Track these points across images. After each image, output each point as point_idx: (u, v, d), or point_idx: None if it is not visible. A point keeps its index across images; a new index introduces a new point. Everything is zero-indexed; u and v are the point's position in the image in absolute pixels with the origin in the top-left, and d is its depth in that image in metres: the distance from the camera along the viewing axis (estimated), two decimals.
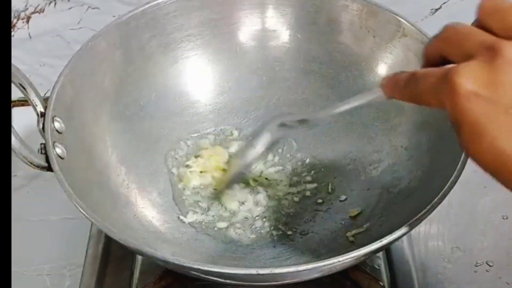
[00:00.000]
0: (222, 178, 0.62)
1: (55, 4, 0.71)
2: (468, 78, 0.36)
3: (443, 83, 0.37)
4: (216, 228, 0.59)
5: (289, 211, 0.60)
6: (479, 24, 0.39)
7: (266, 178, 0.62)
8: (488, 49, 0.36)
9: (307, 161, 0.64)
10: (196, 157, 0.63)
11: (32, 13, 0.71)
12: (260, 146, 0.58)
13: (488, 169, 0.37)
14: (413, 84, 0.41)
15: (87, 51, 0.57)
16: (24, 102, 0.71)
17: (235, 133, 0.65)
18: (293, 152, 0.65)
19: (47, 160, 0.49)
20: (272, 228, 0.59)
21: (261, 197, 0.61)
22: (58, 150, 0.51)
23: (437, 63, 0.40)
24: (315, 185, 0.62)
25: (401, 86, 0.42)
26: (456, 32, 0.39)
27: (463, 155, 0.50)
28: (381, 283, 0.57)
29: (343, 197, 0.61)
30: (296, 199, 0.61)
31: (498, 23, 0.38)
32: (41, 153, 0.50)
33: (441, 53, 0.40)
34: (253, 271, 0.45)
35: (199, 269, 0.45)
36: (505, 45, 0.36)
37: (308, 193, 0.61)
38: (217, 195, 0.61)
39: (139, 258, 0.59)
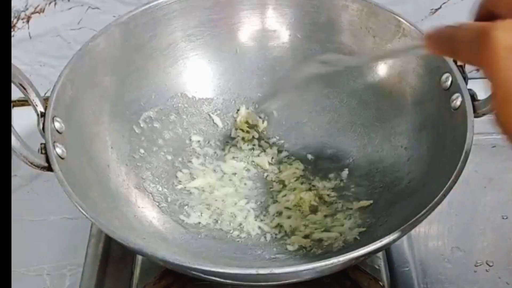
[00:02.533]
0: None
1: (55, 4, 0.70)
2: (506, 33, 0.34)
3: (481, 37, 0.35)
4: (216, 228, 0.59)
5: (288, 212, 0.60)
6: None
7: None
8: None
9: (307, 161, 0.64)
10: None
11: (32, 13, 0.71)
12: (299, 74, 0.58)
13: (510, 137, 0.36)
14: (453, 38, 0.38)
15: (87, 51, 0.57)
16: (24, 102, 0.71)
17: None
18: (293, 151, 0.65)
19: (47, 160, 0.49)
20: (272, 228, 0.59)
21: (262, 196, 0.61)
22: (58, 150, 0.51)
23: (487, 18, 0.38)
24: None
25: (442, 39, 0.40)
26: None
27: (463, 155, 0.50)
28: (381, 283, 0.57)
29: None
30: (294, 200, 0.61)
31: None
32: (41, 153, 0.50)
33: (491, 8, 0.38)
34: (253, 271, 0.45)
35: (199, 269, 0.45)
36: None
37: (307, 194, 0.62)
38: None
39: (139, 258, 0.59)
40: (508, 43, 0.34)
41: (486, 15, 0.39)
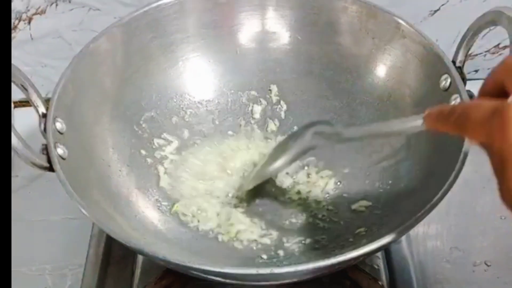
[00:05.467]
0: (248, 177, 0.61)
1: (56, 5, 0.71)
2: None
3: (494, 116, 0.35)
4: (217, 228, 0.59)
5: (289, 212, 0.60)
6: None
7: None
8: None
9: (308, 162, 0.64)
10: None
11: (34, 14, 0.71)
12: (293, 151, 0.57)
13: None
14: (462, 115, 0.39)
15: (89, 52, 0.58)
16: (25, 103, 0.71)
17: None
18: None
19: (49, 160, 0.50)
20: (272, 228, 0.59)
21: (263, 198, 0.62)
22: (60, 151, 0.51)
23: (494, 94, 0.39)
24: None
25: (446, 117, 0.41)
26: None
27: (462, 155, 0.50)
28: (381, 283, 0.57)
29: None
30: (295, 200, 0.61)
31: None
32: (43, 153, 0.50)
33: (501, 85, 0.39)
34: (253, 271, 0.45)
35: (199, 268, 0.45)
36: None
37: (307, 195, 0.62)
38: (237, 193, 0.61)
39: (140, 257, 0.59)
40: None
41: (494, 90, 0.39)
